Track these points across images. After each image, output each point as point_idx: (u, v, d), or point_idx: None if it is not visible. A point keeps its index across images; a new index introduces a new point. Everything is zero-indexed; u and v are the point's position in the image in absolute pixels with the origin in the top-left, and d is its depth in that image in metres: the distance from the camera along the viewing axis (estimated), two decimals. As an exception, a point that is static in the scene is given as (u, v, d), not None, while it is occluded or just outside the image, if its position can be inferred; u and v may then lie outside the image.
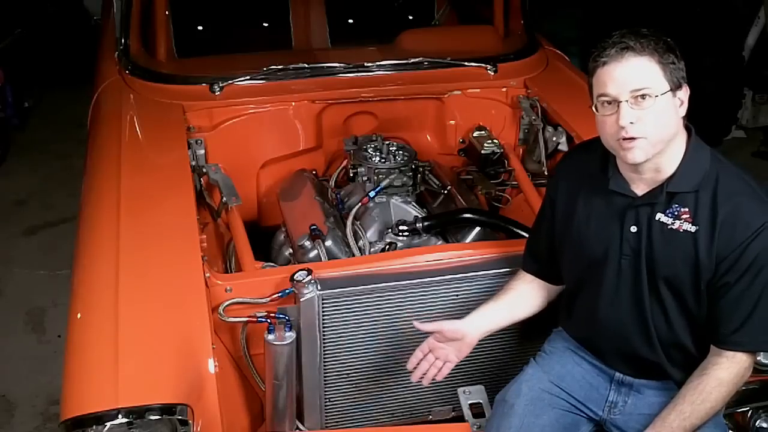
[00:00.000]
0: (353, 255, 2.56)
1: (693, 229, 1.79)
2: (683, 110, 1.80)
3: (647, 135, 1.74)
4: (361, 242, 2.64)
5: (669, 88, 1.75)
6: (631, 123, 1.73)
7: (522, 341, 2.36)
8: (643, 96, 1.73)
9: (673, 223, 1.81)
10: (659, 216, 1.83)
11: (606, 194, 1.90)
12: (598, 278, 1.93)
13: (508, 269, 2.21)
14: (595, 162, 1.93)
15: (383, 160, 2.84)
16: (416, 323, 2.04)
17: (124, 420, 1.77)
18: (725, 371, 1.83)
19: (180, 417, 1.82)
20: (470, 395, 2.28)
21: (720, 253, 1.78)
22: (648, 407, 1.96)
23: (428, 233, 2.65)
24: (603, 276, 1.92)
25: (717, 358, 1.84)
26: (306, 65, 3.12)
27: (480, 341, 2.36)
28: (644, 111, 1.73)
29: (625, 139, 1.75)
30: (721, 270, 1.79)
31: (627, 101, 1.73)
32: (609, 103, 1.77)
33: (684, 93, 1.80)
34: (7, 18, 5.98)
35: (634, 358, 1.96)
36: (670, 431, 1.82)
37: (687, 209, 1.80)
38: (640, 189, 1.86)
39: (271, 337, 2.10)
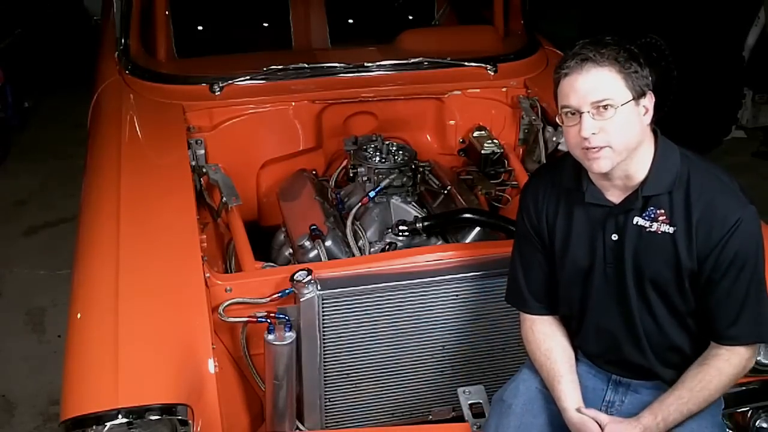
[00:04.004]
0: (353, 255, 2.56)
1: (671, 230, 1.81)
2: (648, 117, 1.80)
3: (611, 144, 1.74)
4: (361, 242, 2.64)
5: (631, 97, 1.75)
6: (594, 134, 1.74)
7: (521, 341, 2.36)
8: (605, 107, 1.73)
9: (650, 226, 1.83)
10: (636, 219, 1.84)
11: (584, 207, 1.90)
12: (586, 289, 1.94)
13: (507, 269, 2.21)
14: (568, 177, 1.94)
15: (383, 160, 2.84)
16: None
17: (124, 420, 1.77)
18: (725, 362, 1.84)
19: (180, 417, 1.82)
20: (470, 395, 2.29)
21: (701, 252, 1.79)
22: (646, 405, 1.96)
23: (428, 233, 2.65)
24: (590, 286, 1.93)
25: (717, 350, 1.86)
26: (306, 65, 3.12)
27: (480, 341, 2.37)
28: (606, 121, 1.73)
29: (589, 149, 1.75)
30: (705, 268, 1.80)
31: (588, 112, 1.74)
32: (572, 113, 1.77)
33: (649, 100, 1.80)
34: (7, 18, 5.98)
35: (628, 363, 1.97)
36: (667, 414, 1.84)
37: (663, 211, 1.82)
38: (615, 197, 1.86)
39: (271, 337, 2.11)
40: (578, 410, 1.91)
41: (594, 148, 1.75)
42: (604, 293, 1.92)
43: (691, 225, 1.79)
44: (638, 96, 1.76)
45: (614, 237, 1.87)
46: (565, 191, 1.95)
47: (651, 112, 1.81)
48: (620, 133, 1.74)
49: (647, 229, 1.83)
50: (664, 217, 1.81)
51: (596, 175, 1.85)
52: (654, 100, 1.81)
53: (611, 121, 1.74)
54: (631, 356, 1.94)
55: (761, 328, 1.85)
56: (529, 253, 2.03)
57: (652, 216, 1.82)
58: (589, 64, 1.74)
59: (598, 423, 1.88)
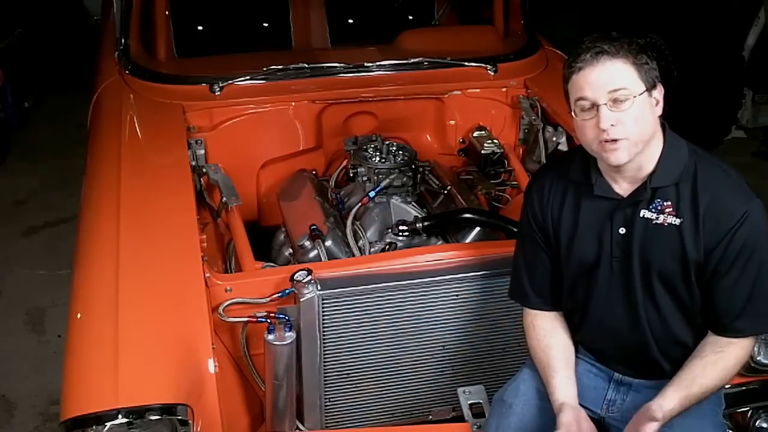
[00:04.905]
0: (353, 255, 2.56)
1: (677, 221, 1.82)
2: (659, 109, 1.83)
3: (628, 136, 1.76)
4: (361, 242, 2.64)
5: (645, 89, 1.77)
6: (612, 125, 1.75)
7: (522, 341, 2.36)
8: (621, 98, 1.75)
9: (657, 218, 1.84)
10: (643, 212, 1.85)
11: (592, 200, 1.91)
12: (591, 283, 1.94)
13: (507, 269, 2.21)
14: (576, 171, 1.94)
15: (383, 160, 2.84)
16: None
17: (124, 420, 1.77)
18: (742, 350, 1.85)
19: (180, 417, 1.82)
20: (470, 395, 2.28)
21: (707, 244, 1.80)
22: (647, 405, 1.97)
23: (428, 233, 2.65)
24: (595, 280, 1.93)
25: (724, 345, 1.85)
26: (306, 65, 3.12)
27: (480, 341, 2.37)
28: (623, 113, 1.75)
29: (607, 141, 1.76)
30: (712, 261, 1.81)
31: (606, 104, 1.75)
32: (588, 107, 1.79)
33: (659, 92, 1.82)
34: (7, 18, 5.98)
35: (631, 358, 1.97)
36: (687, 398, 1.81)
37: (669, 202, 1.83)
38: (624, 189, 1.87)
39: (271, 337, 2.11)
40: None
41: (612, 140, 1.76)
42: (609, 287, 1.92)
43: (698, 216, 1.80)
44: (650, 87, 1.79)
45: (622, 231, 1.87)
46: (573, 185, 1.95)
47: (661, 104, 1.83)
48: (636, 125, 1.76)
49: (654, 222, 1.84)
50: (671, 209, 1.82)
51: (607, 168, 1.86)
52: (663, 92, 1.83)
53: (628, 113, 1.75)
54: (634, 351, 1.95)
55: (766, 318, 1.86)
56: (532, 250, 2.03)
57: (659, 208, 1.83)
58: (604, 56, 1.76)
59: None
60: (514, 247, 2.11)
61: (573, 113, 1.84)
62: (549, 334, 2.03)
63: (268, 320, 2.13)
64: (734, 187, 1.81)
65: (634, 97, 1.75)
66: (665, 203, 1.83)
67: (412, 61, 3.18)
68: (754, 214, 1.79)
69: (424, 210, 2.84)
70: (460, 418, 2.29)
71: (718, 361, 1.84)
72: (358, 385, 2.32)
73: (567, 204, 1.95)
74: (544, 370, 1.99)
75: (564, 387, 1.94)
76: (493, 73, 3.21)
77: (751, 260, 1.80)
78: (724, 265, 1.80)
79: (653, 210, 1.84)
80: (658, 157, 1.83)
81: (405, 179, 2.83)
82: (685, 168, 1.83)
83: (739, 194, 1.80)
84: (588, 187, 1.91)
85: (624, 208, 1.87)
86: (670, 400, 1.81)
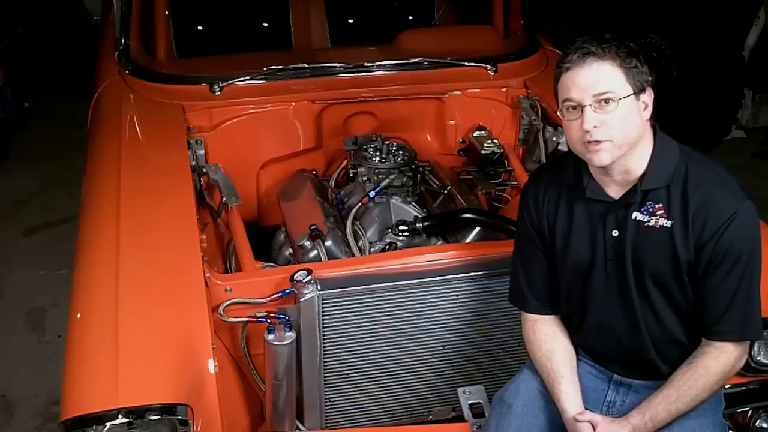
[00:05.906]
0: (353, 255, 2.56)
1: (668, 223, 1.82)
2: (647, 113, 1.83)
3: (612, 138, 1.76)
4: (361, 242, 2.64)
5: (632, 92, 1.77)
6: (595, 127, 1.75)
7: (522, 341, 2.36)
8: (606, 100, 1.75)
9: (649, 220, 1.84)
10: (635, 215, 1.85)
11: (584, 203, 1.92)
12: (587, 285, 1.94)
13: (507, 269, 2.21)
14: (569, 174, 1.95)
15: (383, 160, 2.84)
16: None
17: (124, 420, 1.77)
18: (713, 360, 1.84)
19: (180, 417, 1.82)
20: (470, 395, 2.29)
21: (697, 244, 1.80)
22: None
23: (428, 233, 2.65)
24: (591, 282, 1.93)
25: (706, 347, 1.86)
26: (306, 65, 3.12)
27: (480, 341, 2.37)
28: (608, 115, 1.76)
29: (590, 142, 1.77)
30: (701, 261, 1.81)
31: (590, 105, 1.76)
32: (573, 107, 1.79)
33: (648, 96, 1.82)
34: (7, 18, 5.98)
35: (629, 359, 1.98)
36: (655, 413, 1.84)
37: (660, 205, 1.83)
38: (615, 192, 1.88)
39: (271, 337, 2.11)
40: (575, 418, 1.91)
41: (595, 141, 1.76)
42: (606, 290, 1.92)
43: (688, 217, 1.80)
44: (638, 91, 1.78)
45: (615, 233, 1.87)
46: (566, 188, 1.96)
47: (650, 108, 1.83)
48: (621, 127, 1.76)
49: (645, 224, 1.84)
50: (662, 211, 1.82)
51: (596, 170, 1.87)
52: (653, 96, 1.83)
53: (612, 115, 1.75)
54: (633, 352, 1.95)
55: (749, 326, 1.85)
56: (529, 252, 2.04)
57: (650, 210, 1.83)
58: (591, 58, 1.76)
59: (592, 424, 1.88)
60: (513, 251, 2.11)
61: (560, 113, 1.84)
62: (550, 339, 2.03)
63: (268, 320, 2.13)
64: (724, 188, 1.81)
65: (620, 99, 1.75)
66: (657, 205, 1.83)
67: (412, 61, 3.18)
68: (744, 215, 1.78)
69: (424, 210, 2.84)
70: (460, 418, 2.29)
71: (700, 361, 1.84)
72: (358, 385, 2.33)
73: (561, 207, 1.96)
74: (548, 375, 1.99)
75: (572, 396, 1.95)
76: (493, 73, 3.21)
77: (737, 262, 1.79)
78: (711, 265, 1.80)
79: (645, 212, 1.84)
80: (648, 160, 1.83)
81: (405, 179, 2.83)
82: (676, 170, 1.83)
83: (729, 195, 1.80)
84: (580, 190, 1.91)
85: (616, 211, 1.87)
86: (646, 404, 1.85)
